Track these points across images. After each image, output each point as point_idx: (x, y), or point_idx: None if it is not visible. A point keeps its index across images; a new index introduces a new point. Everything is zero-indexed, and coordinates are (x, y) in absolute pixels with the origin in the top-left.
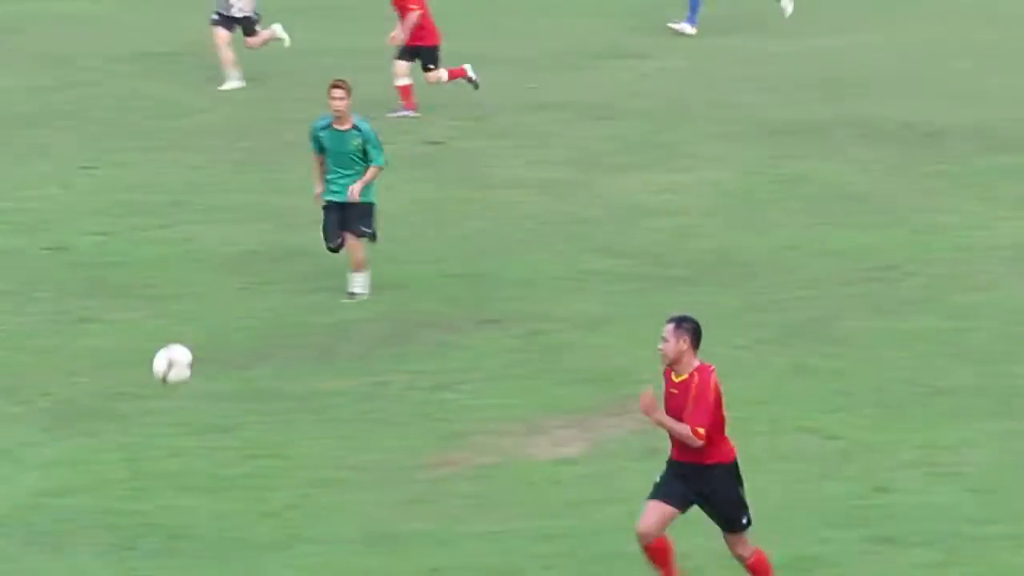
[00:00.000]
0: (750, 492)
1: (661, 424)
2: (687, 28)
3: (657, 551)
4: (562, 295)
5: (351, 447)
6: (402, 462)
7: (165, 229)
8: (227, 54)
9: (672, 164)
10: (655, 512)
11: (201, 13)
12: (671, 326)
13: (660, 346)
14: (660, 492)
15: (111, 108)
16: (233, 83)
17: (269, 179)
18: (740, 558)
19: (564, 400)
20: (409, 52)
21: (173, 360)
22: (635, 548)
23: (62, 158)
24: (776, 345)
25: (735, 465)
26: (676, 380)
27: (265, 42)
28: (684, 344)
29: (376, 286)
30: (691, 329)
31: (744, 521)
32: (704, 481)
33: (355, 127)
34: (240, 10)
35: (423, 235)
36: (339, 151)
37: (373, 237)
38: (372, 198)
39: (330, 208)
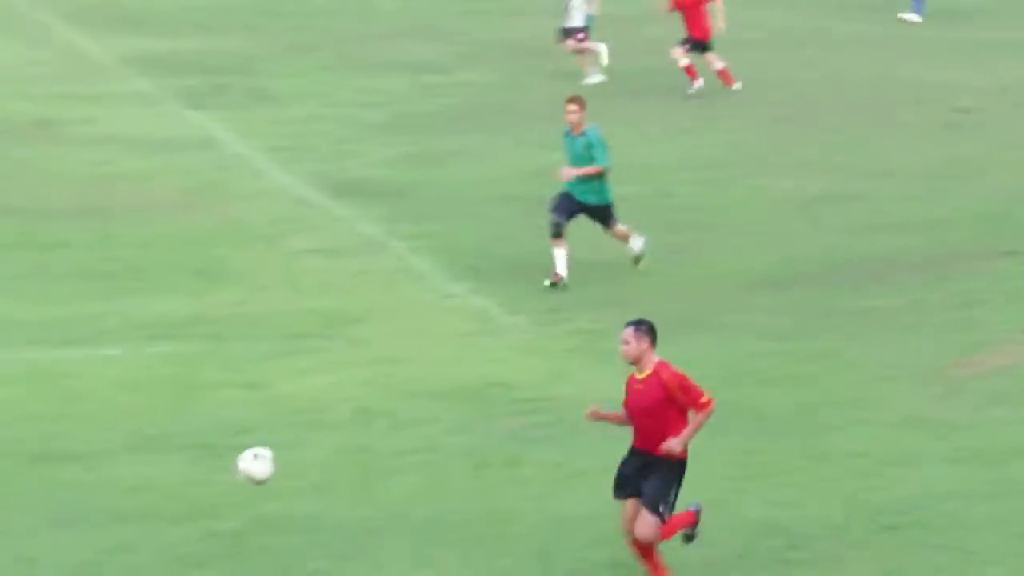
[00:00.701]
0: None
1: (690, 438)
2: (914, 16)
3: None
4: None
5: (893, 351)
6: (934, 363)
7: (747, 179)
8: (588, 52)
9: None
10: (634, 510)
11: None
12: (631, 329)
13: (622, 348)
14: (629, 491)
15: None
16: (595, 78)
17: (828, 141)
18: (630, 532)
19: None
20: (693, 42)
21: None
22: None
23: (664, 121)
24: None
25: (682, 464)
26: (639, 377)
27: (581, 51)
28: (645, 344)
29: (913, 225)
30: (649, 330)
31: (660, 509)
32: (653, 464)
33: (583, 133)
34: (571, 22)
35: (954, 185)
36: (572, 153)
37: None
38: (608, 199)
39: (563, 194)
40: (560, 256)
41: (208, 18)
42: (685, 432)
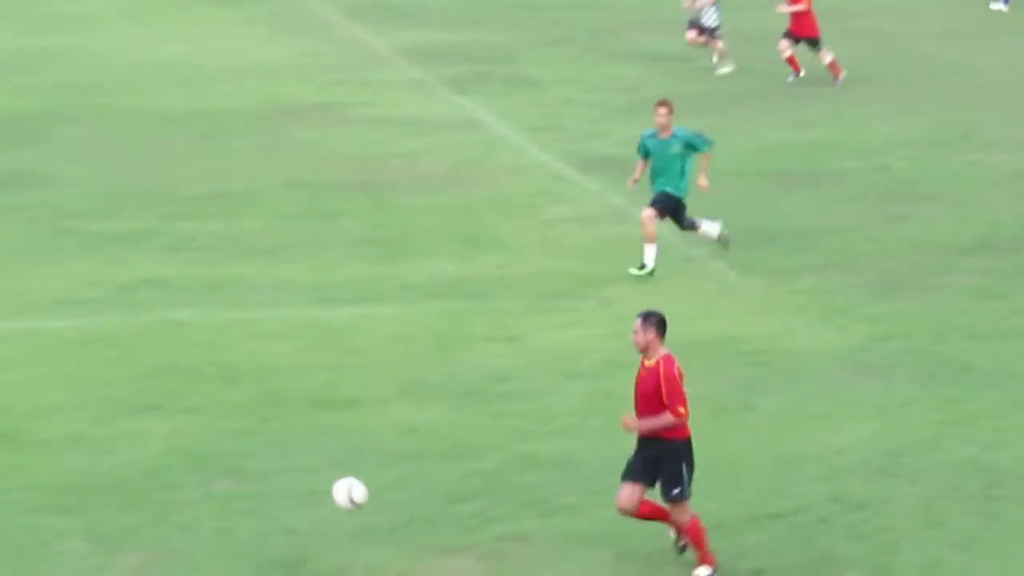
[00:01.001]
0: None
1: (648, 429)
2: (1002, 7)
3: (645, 515)
4: None
5: None
6: None
7: (958, 155)
8: (722, 47)
9: None
10: (627, 491)
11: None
12: (639, 321)
13: (632, 338)
14: (629, 474)
15: (910, 68)
16: (725, 69)
17: None
18: (675, 523)
19: None
20: (793, 37)
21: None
22: None
23: (883, 103)
24: None
25: (687, 443)
26: (647, 364)
27: (717, 51)
28: (651, 335)
29: None
30: (656, 322)
31: (675, 492)
32: (658, 450)
33: (674, 135)
34: (706, 21)
35: None
36: (661, 155)
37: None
38: (682, 193)
39: (664, 197)
40: (708, 226)
41: (473, 13)
42: (649, 420)
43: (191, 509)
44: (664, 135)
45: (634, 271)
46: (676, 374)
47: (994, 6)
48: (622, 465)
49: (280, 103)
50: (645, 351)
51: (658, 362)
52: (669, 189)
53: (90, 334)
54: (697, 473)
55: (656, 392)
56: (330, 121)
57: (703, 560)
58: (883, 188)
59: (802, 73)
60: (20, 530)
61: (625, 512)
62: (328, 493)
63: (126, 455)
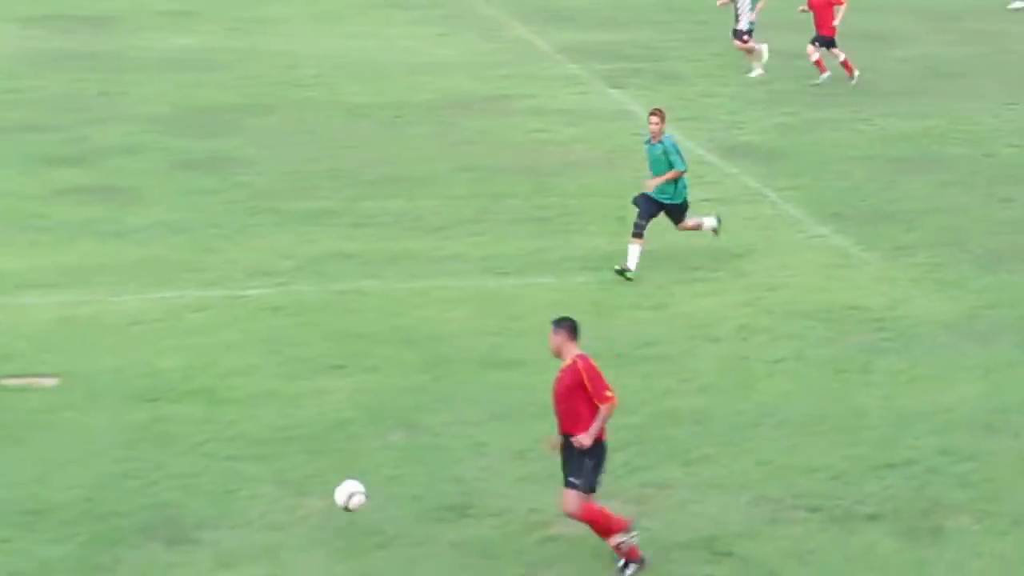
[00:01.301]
0: None
1: (594, 432)
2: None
3: (592, 520)
4: None
5: None
6: None
7: None
8: (754, 51)
9: None
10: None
11: None
12: (552, 327)
13: (549, 343)
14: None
15: (1015, 64)
16: (757, 71)
17: None
18: (566, 513)
19: None
20: (820, 39)
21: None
22: None
23: (990, 98)
24: None
25: (600, 448)
26: (563, 365)
27: (748, 50)
28: (561, 338)
29: None
30: (567, 327)
31: (572, 480)
32: (572, 444)
33: (661, 141)
34: (741, 24)
35: None
36: (652, 159)
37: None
38: (682, 198)
39: (643, 196)
40: (634, 252)
41: (627, 16)
42: (592, 427)
43: (370, 458)
44: (654, 140)
45: (712, 227)
46: (593, 365)
47: (1012, 6)
48: (755, 420)
49: (452, 96)
50: (559, 353)
51: (573, 360)
52: (667, 199)
53: (282, 302)
54: (821, 427)
55: (572, 388)
56: (497, 112)
57: (616, 529)
58: (990, 173)
59: (828, 75)
60: (219, 475)
61: (571, 516)
62: (489, 445)
63: (313, 410)
